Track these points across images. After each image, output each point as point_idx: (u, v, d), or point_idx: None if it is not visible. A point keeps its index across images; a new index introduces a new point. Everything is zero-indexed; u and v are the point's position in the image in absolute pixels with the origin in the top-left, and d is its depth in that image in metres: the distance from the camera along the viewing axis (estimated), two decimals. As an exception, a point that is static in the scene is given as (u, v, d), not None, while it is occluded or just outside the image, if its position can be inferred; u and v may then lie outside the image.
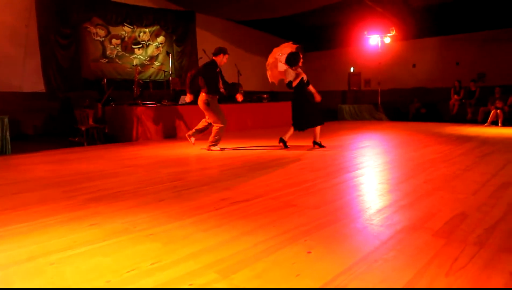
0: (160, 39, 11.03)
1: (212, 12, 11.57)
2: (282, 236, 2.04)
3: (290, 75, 5.37)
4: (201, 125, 5.69)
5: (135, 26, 10.34)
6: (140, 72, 9.90)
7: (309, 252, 1.84)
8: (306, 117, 5.39)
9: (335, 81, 14.06)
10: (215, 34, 12.23)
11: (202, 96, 5.38)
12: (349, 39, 12.62)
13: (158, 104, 7.71)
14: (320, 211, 2.50)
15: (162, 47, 11.04)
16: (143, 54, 10.63)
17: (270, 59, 5.90)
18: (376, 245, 1.97)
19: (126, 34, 10.23)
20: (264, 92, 10.47)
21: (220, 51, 5.50)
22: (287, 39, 14.77)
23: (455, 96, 11.60)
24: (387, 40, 11.58)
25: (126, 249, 1.95)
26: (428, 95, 12.51)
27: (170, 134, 7.56)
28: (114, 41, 10.01)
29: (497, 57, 11.47)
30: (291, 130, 5.55)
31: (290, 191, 3.01)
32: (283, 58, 5.62)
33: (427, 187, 3.19)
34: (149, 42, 10.77)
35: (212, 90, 5.35)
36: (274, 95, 10.80)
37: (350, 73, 13.34)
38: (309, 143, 5.68)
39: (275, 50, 5.94)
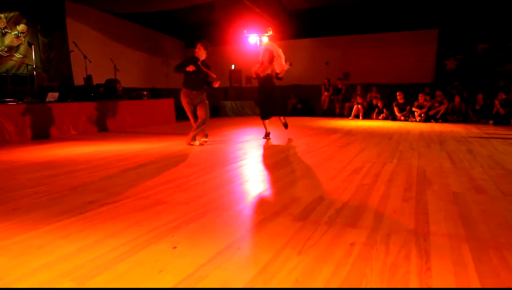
0: (21, 27, 9.72)
1: (84, 1, 10.64)
2: (148, 235, 2.01)
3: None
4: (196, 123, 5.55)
5: (-14, 11, 8.94)
6: (-5, 65, 8.63)
7: (175, 248, 1.85)
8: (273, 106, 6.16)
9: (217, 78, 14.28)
10: (89, 26, 11.26)
11: (181, 90, 5.44)
12: (230, 37, 12.96)
13: (19, 102, 6.82)
14: (190, 206, 2.52)
15: (24, 37, 9.75)
16: (-1, 44, 9.27)
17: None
18: (242, 233, 2.08)
19: (-25, 19, 8.79)
20: (144, 89, 10.09)
21: (196, 46, 5.45)
22: (168, 35, 14.44)
23: (325, 93, 12.87)
24: (265, 39, 12.19)
25: (-39, 269, 1.68)
26: (303, 91, 13.61)
27: (38, 135, 6.76)
28: (-42, 27, 8.51)
29: (358, 59, 13.06)
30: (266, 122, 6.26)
31: (163, 189, 2.98)
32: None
33: (293, 175, 3.48)
34: (6, 30, 9.41)
35: (185, 85, 5.36)
36: (155, 92, 10.47)
37: (231, 70, 13.70)
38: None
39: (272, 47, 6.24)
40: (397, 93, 10.79)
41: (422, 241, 1.93)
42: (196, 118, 5.52)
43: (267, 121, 6.26)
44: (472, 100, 10.33)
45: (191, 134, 5.52)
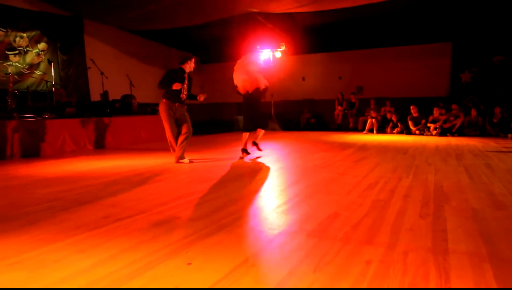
0: (42, 45, 10.02)
1: (102, 19, 10.96)
2: (163, 250, 2.01)
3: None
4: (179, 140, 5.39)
5: (8, 29, 9.22)
6: (16, 82, 8.87)
7: (189, 264, 1.84)
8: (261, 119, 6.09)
9: (230, 93, 14.36)
10: (106, 43, 11.59)
11: (161, 102, 5.27)
12: (243, 53, 13.10)
13: (38, 118, 6.99)
14: (204, 221, 2.52)
15: (44, 55, 10.04)
16: (21, 61, 9.52)
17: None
18: (256, 249, 2.06)
19: (-2, 38, 9.08)
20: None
21: (185, 58, 5.34)
22: (182, 50, 14.69)
23: (339, 107, 12.83)
24: (278, 54, 12.30)
25: (-20, 283, 1.71)
26: (316, 106, 13.60)
27: (55, 150, 6.90)
28: (-18, 45, 8.81)
29: (371, 73, 13.02)
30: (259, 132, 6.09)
31: (177, 204, 2.99)
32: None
33: (307, 191, 3.46)
34: (27, 49, 9.70)
35: (168, 96, 5.21)
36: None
37: (245, 85, 13.79)
38: (199, 156, 5.72)
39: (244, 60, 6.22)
40: (411, 107, 10.68)
41: (441, 259, 1.88)
42: (176, 132, 5.34)
43: (247, 134, 5.99)
44: (489, 113, 10.15)
45: (178, 153, 5.30)
